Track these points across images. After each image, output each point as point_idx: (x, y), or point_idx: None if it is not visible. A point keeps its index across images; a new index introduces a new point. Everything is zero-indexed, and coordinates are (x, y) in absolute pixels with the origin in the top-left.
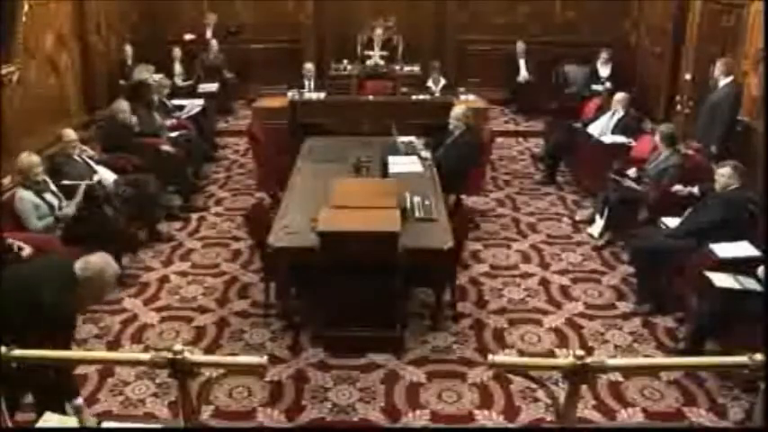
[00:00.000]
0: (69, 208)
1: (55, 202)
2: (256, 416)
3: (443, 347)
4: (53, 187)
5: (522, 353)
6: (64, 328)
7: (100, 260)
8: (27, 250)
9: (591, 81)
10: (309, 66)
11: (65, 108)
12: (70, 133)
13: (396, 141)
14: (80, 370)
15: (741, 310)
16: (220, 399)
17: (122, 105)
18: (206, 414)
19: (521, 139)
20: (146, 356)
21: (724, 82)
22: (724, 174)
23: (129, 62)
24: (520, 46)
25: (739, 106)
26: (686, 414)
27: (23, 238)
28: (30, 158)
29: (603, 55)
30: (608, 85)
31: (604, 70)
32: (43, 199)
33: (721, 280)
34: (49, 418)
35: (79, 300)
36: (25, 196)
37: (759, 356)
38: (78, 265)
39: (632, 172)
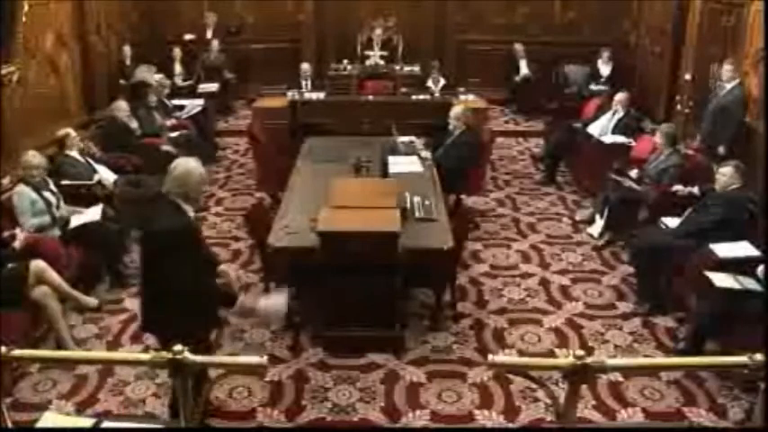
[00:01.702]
0: (72, 219)
1: (53, 199)
2: (256, 416)
3: (443, 347)
4: (52, 186)
5: (522, 353)
6: (196, 243)
7: (174, 169)
8: (20, 239)
9: (591, 81)
10: (306, 66)
11: (65, 108)
12: (71, 132)
13: (396, 141)
14: (80, 370)
15: (741, 310)
16: (220, 399)
17: (122, 105)
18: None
19: (521, 139)
20: (146, 356)
21: (732, 84)
22: (725, 173)
23: (128, 62)
24: (518, 47)
25: (747, 108)
26: (686, 414)
27: (24, 238)
28: (36, 158)
29: (605, 54)
30: (607, 87)
31: (605, 69)
32: (41, 196)
33: (721, 280)
34: (49, 418)
35: (191, 204)
36: (24, 191)
37: (759, 356)
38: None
39: (634, 173)
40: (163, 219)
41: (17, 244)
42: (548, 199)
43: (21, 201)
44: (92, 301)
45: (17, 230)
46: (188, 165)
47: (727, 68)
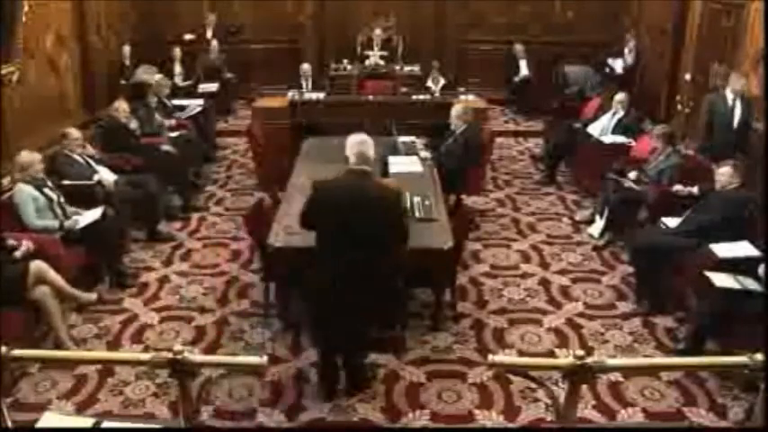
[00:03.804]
0: (79, 223)
1: (54, 196)
2: (256, 416)
3: (443, 347)
4: (50, 184)
5: (522, 353)
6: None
7: (359, 143)
8: (23, 248)
9: (604, 79)
10: (306, 66)
11: (65, 108)
12: (73, 132)
13: (396, 141)
14: (80, 370)
15: (741, 310)
16: (220, 399)
17: (122, 105)
18: (206, 414)
19: (521, 139)
20: (146, 356)
21: (737, 93)
22: (724, 173)
23: (128, 62)
24: (518, 47)
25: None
26: (686, 414)
27: (26, 239)
28: (30, 156)
29: (630, 43)
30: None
31: (619, 65)
32: (42, 193)
33: (721, 280)
34: (49, 418)
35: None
36: (23, 189)
37: (759, 356)
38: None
39: (633, 173)
40: (375, 189)
41: (18, 253)
42: (548, 199)
43: (21, 198)
44: (91, 296)
45: (25, 241)
46: (362, 135)
47: (734, 79)
